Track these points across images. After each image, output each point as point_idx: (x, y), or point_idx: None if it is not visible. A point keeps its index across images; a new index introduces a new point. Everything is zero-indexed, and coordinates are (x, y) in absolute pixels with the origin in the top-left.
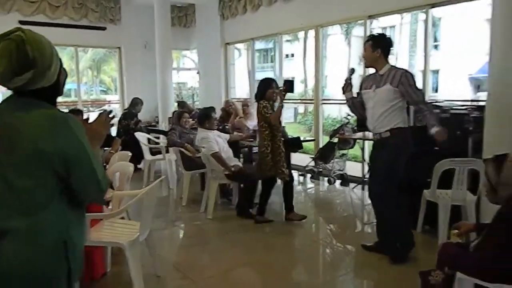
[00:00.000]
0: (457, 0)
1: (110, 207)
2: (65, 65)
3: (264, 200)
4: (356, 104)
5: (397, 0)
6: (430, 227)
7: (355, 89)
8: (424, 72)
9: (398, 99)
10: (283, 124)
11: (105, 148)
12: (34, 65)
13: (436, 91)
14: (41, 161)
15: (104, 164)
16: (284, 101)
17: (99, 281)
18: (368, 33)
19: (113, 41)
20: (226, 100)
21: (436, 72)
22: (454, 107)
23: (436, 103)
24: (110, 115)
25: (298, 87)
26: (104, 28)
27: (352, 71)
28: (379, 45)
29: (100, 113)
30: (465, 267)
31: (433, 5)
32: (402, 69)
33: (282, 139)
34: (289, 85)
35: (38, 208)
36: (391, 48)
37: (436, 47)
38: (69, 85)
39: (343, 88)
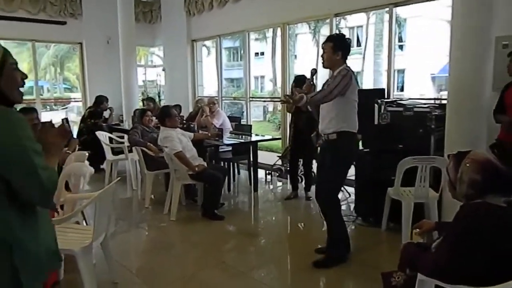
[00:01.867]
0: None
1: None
2: (24, 62)
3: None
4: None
5: None
6: (395, 224)
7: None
8: (389, 72)
9: (343, 102)
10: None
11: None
12: None
13: (402, 90)
14: None
15: (62, 166)
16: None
17: None
18: (335, 32)
19: (74, 36)
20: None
21: (402, 71)
22: (417, 105)
23: (400, 101)
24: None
25: (267, 86)
26: (64, 23)
27: (313, 72)
28: (340, 48)
29: (60, 124)
30: (423, 268)
31: (396, 4)
32: (346, 67)
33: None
34: (298, 82)
35: None
36: (350, 50)
37: (401, 47)
38: (30, 82)
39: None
